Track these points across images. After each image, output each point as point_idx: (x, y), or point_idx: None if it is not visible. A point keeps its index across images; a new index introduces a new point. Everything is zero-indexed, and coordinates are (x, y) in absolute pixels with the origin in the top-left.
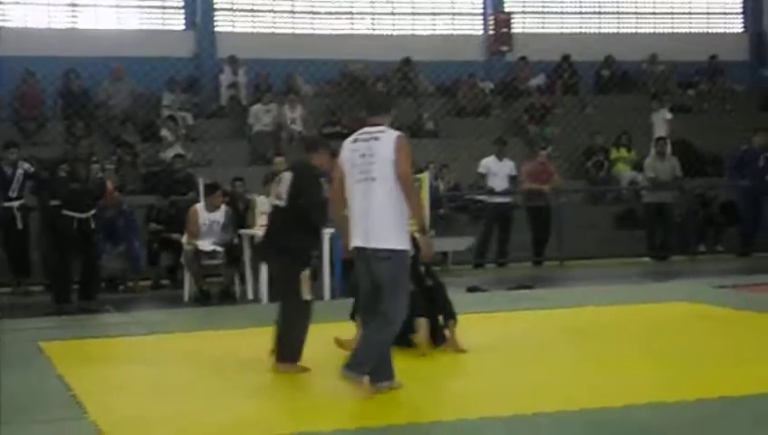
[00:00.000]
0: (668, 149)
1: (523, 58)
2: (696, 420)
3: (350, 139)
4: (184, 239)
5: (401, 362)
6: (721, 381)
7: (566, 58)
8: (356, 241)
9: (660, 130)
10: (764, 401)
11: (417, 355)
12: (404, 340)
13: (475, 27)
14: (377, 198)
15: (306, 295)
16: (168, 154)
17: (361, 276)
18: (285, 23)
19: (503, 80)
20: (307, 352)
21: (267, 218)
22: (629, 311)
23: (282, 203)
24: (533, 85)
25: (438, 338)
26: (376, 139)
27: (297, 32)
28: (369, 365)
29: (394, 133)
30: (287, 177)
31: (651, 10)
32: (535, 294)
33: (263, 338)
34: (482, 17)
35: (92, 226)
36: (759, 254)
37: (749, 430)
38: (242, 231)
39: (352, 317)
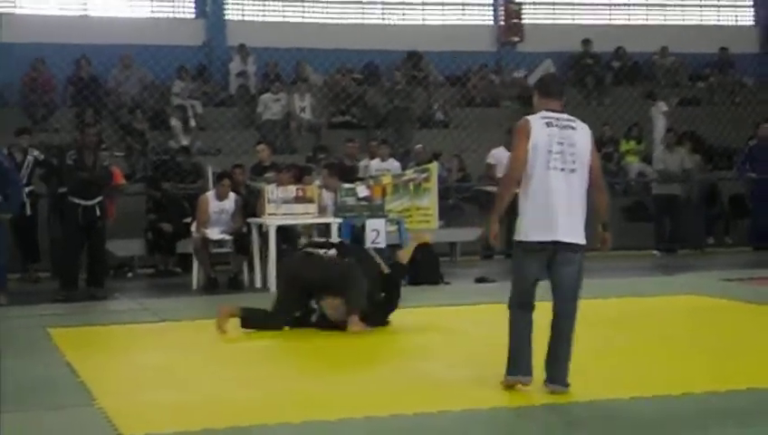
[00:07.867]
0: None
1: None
2: (701, 413)
3: (541, 119)
4: (193, 227)
5: None
6: (729, 375)
7: (586, 42)
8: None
9: (660, 124)
10: None
11: None
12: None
13: (485, 18)
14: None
15: None
16: (179, 142)
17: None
18: (295, 11)
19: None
20: (316, 342)
21: None
22: (637, 303)
23: None
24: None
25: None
26: (573, 128)
27: (307, 21)
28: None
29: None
30: None
31: (662, 2)
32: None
33: None
34: (492, 8)
35: (98, 213)
36: None
37: (755, 423)
38: (250, 220)
39: None
